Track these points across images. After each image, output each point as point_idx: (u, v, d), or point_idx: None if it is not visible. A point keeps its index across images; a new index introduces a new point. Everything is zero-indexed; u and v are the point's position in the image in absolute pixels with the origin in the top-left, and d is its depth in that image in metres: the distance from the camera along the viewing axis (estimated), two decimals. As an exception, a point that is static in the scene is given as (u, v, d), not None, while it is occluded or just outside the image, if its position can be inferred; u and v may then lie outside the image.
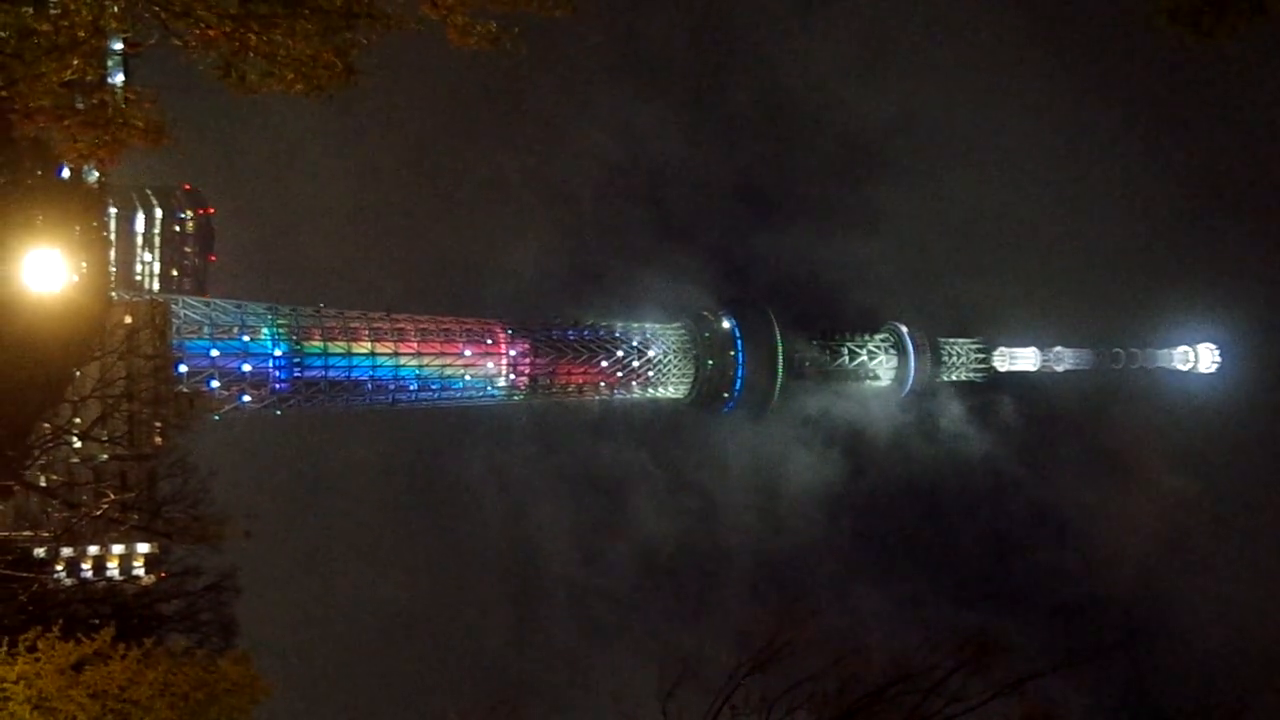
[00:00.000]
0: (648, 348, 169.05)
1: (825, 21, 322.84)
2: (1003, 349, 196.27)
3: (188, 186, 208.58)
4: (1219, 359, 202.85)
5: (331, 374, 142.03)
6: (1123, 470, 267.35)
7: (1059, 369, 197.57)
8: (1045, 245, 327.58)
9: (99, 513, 77.13)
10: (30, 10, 26.77)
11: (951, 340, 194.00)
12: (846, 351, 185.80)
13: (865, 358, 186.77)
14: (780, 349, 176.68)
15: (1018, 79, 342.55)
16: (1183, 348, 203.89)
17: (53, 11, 26.44)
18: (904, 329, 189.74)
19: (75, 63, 26.42)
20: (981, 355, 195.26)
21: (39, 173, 67.76)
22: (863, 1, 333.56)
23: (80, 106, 29.41)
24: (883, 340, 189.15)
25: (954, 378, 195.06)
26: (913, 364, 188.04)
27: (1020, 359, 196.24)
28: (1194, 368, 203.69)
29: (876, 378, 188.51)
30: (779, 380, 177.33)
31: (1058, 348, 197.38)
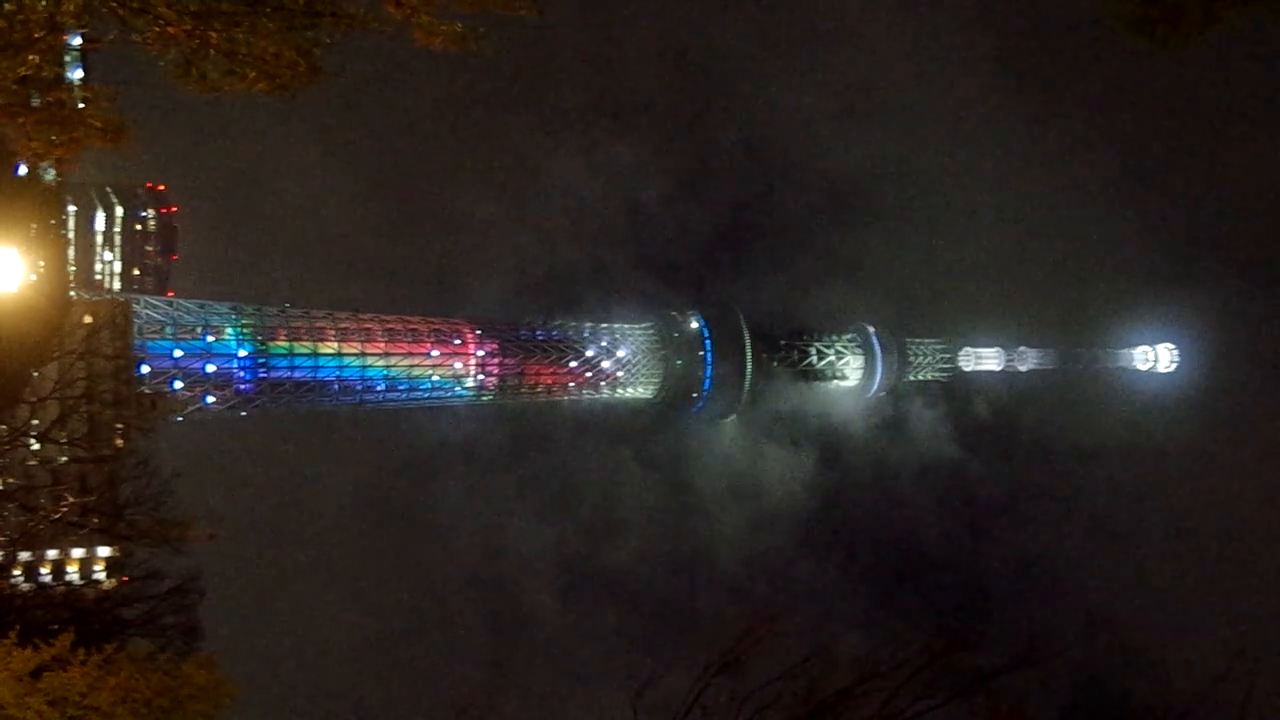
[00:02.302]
0: (616, 348, 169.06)
1: (807, 66, 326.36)
2: (968, 349, 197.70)
3: (150, 184, 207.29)
4: (1178, 358, 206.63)
5: (297, 375, 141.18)
6: (1084, 466, 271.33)
7: (1023, 369, 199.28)
8: (1010, 247, 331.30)
9: (58, 516, 76.38)
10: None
11: (918, 340, 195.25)
12: (815, 351, 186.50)
13: (833, 358, 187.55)
14: (749, 349, 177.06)
15: (984, 101, 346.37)
16: (1143, 348, 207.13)
17: (7, 7, 26.05)
18: (871, 329, 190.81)
19: (31, 59, 26.06)
20: (947, 355, 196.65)
21: (-5, 171, 67.11)
22: (844, 47, 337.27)
23: (36, 104, 29.00)
24: (850, 340, 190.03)
25: (920, 377, 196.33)
26: (879, 364, 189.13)
27: (985, 359, 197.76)
28: (1153, 367, 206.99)
29: (844, 377, 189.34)
30: (747, 380, 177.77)
31: (1022, 348, 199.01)
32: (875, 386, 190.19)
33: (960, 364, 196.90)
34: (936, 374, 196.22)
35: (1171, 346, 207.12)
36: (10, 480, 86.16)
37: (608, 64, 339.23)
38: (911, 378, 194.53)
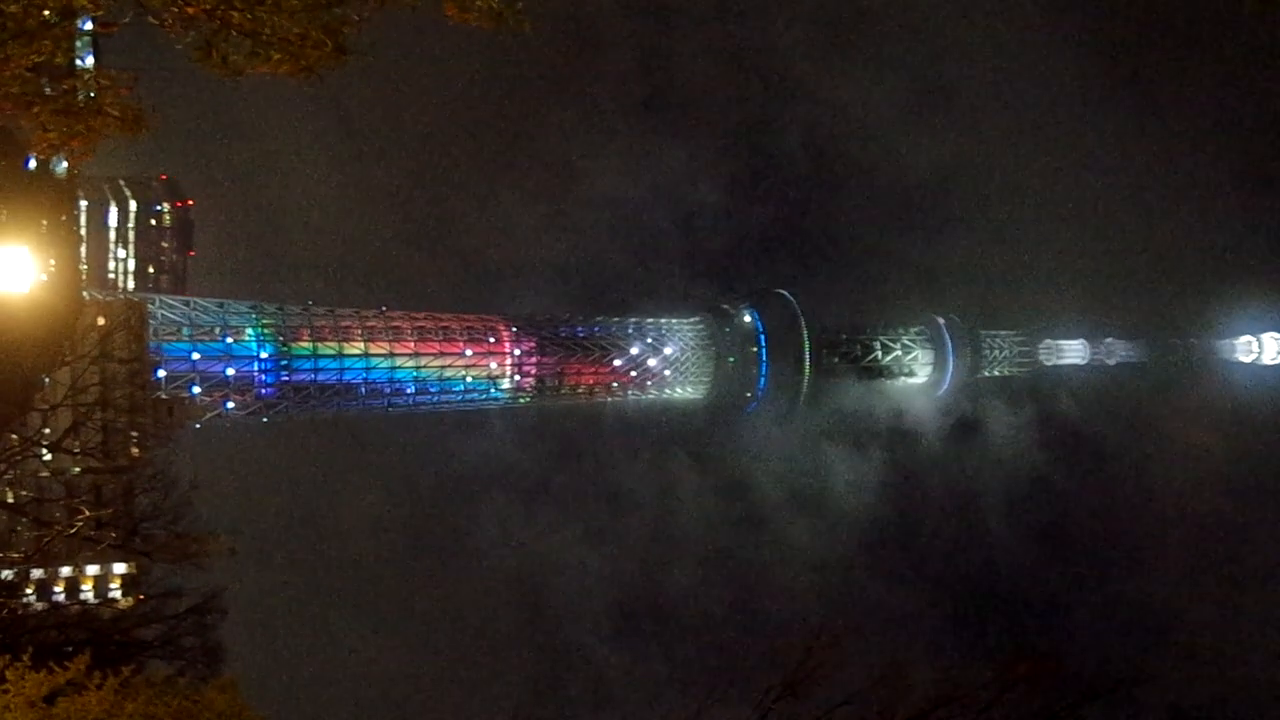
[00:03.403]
0: (663, 344, 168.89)
1: (872, 61, 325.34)
2: (1049, 341, 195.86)
3: (164, 176, 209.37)
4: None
5: (321, 377, 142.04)
6: (1180, 467, 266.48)
7: (1111, 362, 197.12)
8: (1091, 236, 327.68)
9: (72, 531, 77.28)
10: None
11: (993, 333, 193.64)
12: (879, 346, 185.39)
13: (899, 352, 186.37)
14: (807, 344, 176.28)
15: (1068, 93, 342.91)
16: (1246, 337, 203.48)
17: (21, -10, 26.40)
18: (941, 321, 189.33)
19: (44, 45, 26.40)
20: (1026, 348, 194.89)
21: (2, 163, 68.01)
22: (912, 40, 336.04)
23: (50, 93, 29.37)
24: (918, 333, 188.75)
25: (996, 373, 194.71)
26: (951, 359, 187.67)
27: (1068, 352, 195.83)
28: (1258, 358, 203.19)
29: (912, 374, 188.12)
30: (806, 378, 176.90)
31: (1109, 339, 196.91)
32: (946, 383, 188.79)
33: (1041, 358, 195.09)
34: (1014, 369, 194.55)
35: (1279, 335, 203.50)
36: (22, 493, 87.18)
37: (657, 60, 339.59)
38: (987, 373, 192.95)
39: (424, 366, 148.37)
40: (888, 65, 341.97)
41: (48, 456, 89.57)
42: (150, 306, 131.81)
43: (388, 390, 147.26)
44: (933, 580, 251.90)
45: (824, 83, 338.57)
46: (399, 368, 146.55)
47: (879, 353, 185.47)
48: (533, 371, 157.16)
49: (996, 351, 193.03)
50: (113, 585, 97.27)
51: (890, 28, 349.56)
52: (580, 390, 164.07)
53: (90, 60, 68.85)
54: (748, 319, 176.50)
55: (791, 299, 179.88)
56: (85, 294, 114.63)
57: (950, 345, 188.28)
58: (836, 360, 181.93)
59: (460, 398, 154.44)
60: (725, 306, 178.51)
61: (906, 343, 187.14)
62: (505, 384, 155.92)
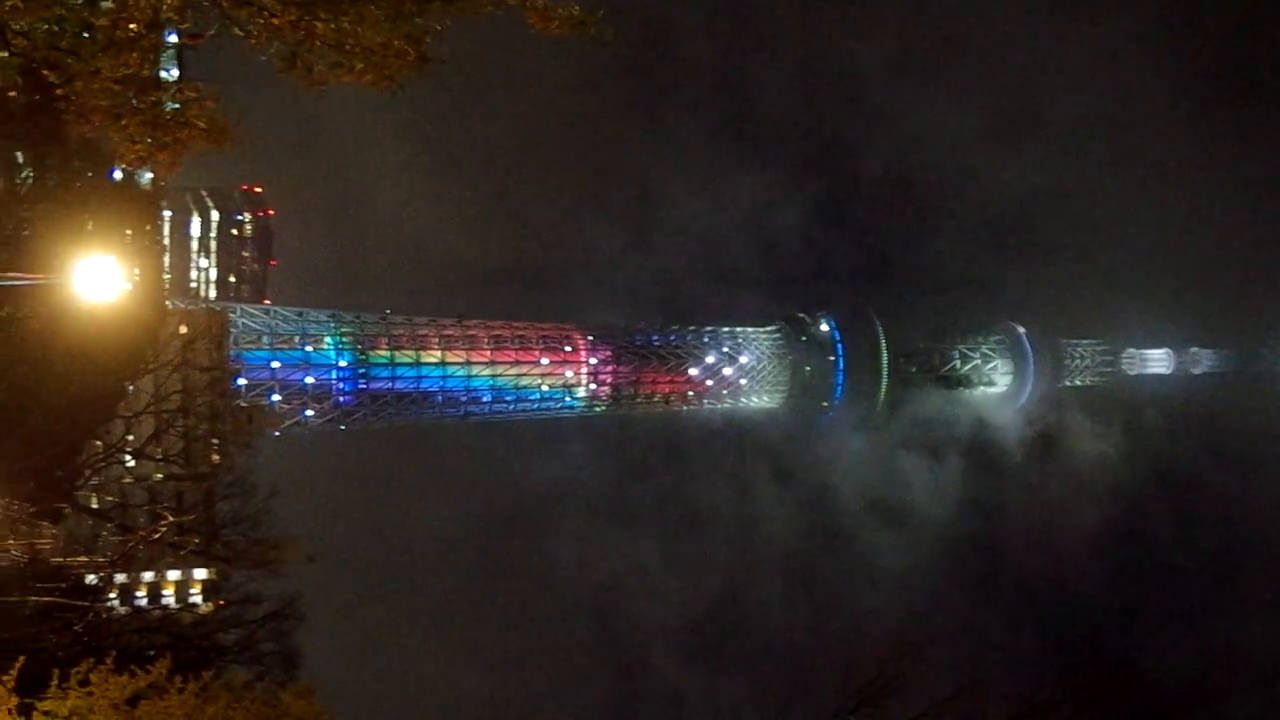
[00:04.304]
0: (739, 353, 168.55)
1: (956, 83, 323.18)
2: (1132, 350, 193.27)
3: (245, 187, 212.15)
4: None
5: (399, 385, 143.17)
6: (1273, 484, 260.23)
7: (1196, 371, 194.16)
8: (1178, 240, 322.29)
9: (155, 536, 78.25)
10: (86, 4, 27.22)
11: (1074, 341, 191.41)
12: (957, 355, 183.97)
13: (978, 361, 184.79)
14: (885, 353, 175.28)
15: (1155, 103, 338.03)
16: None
17: (108, 4, 26.84)
18: (1020, 330, 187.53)
19: (132, 58, 26.82)
20: (1108, 358, 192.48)
21: (90, 175, 69.21)
22: (998, 61, 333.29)
23: (137, 105, 29.83)
24: (997, 342, 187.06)
25: (1078, 383, 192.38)
26: (1031, 368, 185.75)
27: (1153, 361, 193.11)
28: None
29: (991, 383, 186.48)
30: (883, 387, 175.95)
31: (1194, 348, 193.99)
32: (1027, 393, 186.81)
33: (1123, 367, 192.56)
34: (1096, 379, 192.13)
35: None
36: (106, 499, 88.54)
37: (736, 83, 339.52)
38: (1068, 383, 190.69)
39: (500, 375, 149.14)
40: (971, 89, 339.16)
41: (131, 463, 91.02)
42: (231, 315, 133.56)
43: (464, 399, 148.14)
44: (1011, 594, 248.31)
45: (905, 106, 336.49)
46: (475, 376, 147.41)
47: (957, 362, 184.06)
48: (608, 380, 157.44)
49: (1078, 361, 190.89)
50: (193, 590, 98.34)
51: (975, 51, 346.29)
52: (655, 399, 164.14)
53: (175, 72, 69.97)
54: (825, 328, 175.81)
55: (869, 308, 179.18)
56: (168, 303, 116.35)
57: (1030, 354, 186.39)
58: (914, 369, 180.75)
59: (536, 406, 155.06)
60: (802, 315, 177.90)
61: (985, 352, 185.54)
62: (580, 393, 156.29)
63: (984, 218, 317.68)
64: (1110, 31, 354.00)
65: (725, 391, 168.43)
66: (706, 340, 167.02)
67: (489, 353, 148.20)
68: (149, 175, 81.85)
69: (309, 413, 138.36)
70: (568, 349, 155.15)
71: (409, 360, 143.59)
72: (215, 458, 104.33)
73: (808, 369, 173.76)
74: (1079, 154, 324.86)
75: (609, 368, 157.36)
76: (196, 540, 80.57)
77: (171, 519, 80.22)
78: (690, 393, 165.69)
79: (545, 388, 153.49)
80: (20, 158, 66.33)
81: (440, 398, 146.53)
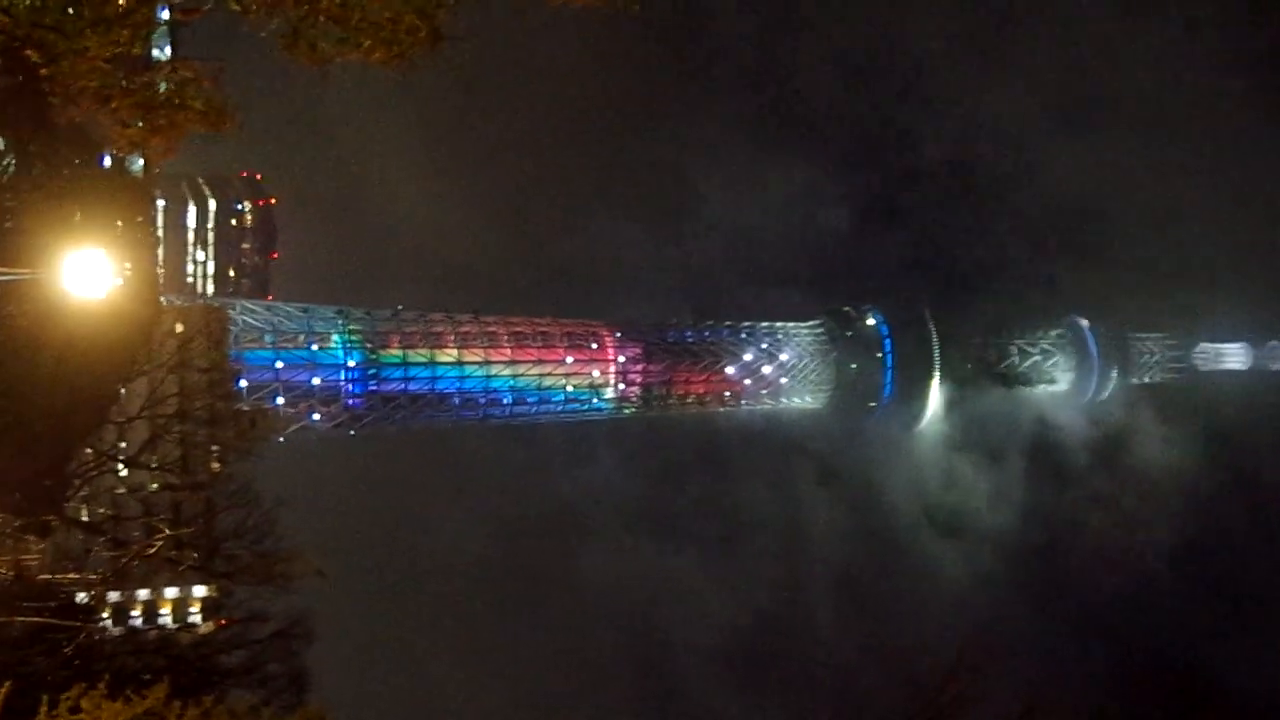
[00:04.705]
0: (779, 350, 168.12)
1: (1015, 68, 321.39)
2: (1205, 345, 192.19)
3: (245, 174, 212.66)
4: None
5: (412, 387, 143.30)
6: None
7: (1276, 367, 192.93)
8: (1255, 228, 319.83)
9: (150, 551, 78.44)
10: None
11: (1142, 336, 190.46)
12: (1016, 351, 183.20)
13: (1038, 358, 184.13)
14: (936, 349, 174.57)
15: (1227, 89, 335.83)
16: None
17: (96, -22, 26.69)
18: (1084, 323, 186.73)
19: (122, 34, 26.68)
20: (1178, 353, 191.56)
21: (78, 162, 69.24)
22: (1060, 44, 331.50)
23: (128, 86, 29.71)
24: (1059, 337, 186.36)
25: (1146, 380, 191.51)
26: (1096, 365, 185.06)
27: (1228, 357, 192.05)
28: None
29: (1053, 381, 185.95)
30: (935, 386, 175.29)
31: (1273, 342, 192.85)
32: (1091, 391, 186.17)
33: (1196, 363, 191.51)
34: (1166, 375, 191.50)
35: None
36: (98, 511, 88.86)
37: (776, 65, 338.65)
38: (1135, 380, 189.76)
39: (521, 375, 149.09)
40: (1032, 72, 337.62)
41: (124, 472, 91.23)
42: (231, 312, 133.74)
43: (483, 400, 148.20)
44: (1078, 605, 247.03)
45: (961, 90, 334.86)
46: (495, 376, 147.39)
47: (1015, 358, 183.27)
48: (638, 380, 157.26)
49: (1146, 356, 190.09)
50: (193, 609, 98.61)
51: (1037, 31, 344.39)
52: (689, 400, 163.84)
53: (168, 51, 69.94)
54: (871, 322, 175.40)
55: (919, 301, 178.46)
56: (163, 299, 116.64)
57: (1095, 350, 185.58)
58: (969, 366, 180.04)
59: (560, 408, 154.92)
60: (847, 309, 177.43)
61: (1046, 347, 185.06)
62: (608, 394, 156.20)
63: (1044, 207, 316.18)
64: (1183, 12, 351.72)
65: (764, 391, 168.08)
66: (744, 337, 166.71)
67: (509, 351, 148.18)
68: (141, 162, 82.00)
69: (316, 416, 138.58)
70: (594, 347, 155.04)
71: (423, 359, 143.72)
72: (215, 466, 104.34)
73: (853, 366, 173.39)
74: (1149, 141, 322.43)
75: (639, 366, 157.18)
76: (195, 555, 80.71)
77: (168, 532, 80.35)
78: (727, 393, 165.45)
79: (570, 388, 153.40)
80: (1, 144, 66.49)
81: (457, 400, 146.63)
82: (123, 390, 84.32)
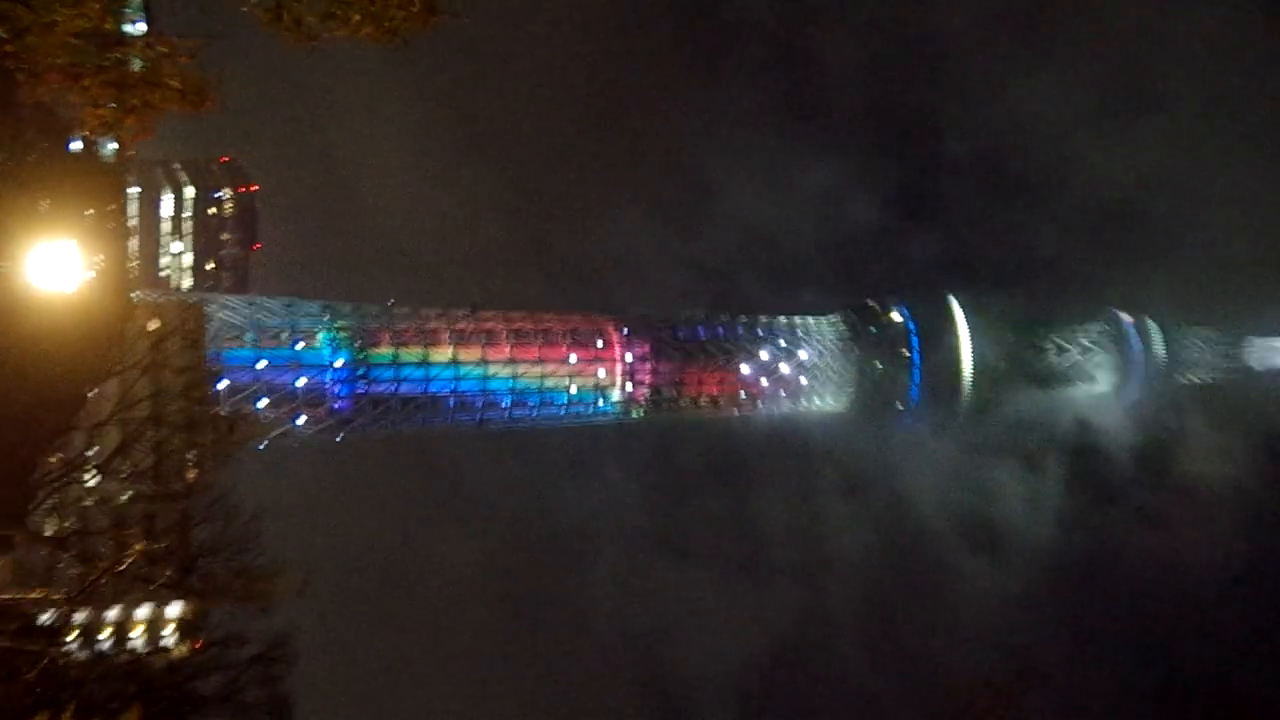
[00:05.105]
0: (798, 348, 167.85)
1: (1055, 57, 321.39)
2: (1258, 341, 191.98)
3: (225, 159, 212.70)
4: None
5: (404, 388, 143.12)
6: None
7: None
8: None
9: (121, 567, 78.32)
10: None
11: (1189, 331, 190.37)
12: (1053, 347, 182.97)
13: (1077, 355, 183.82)
14: (968, 346, 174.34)
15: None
16: None
17: (62, -57, 26.33)
18: (1126, 318, 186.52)
19: (93, 7, 26.36)
20: (1230, 351, 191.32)
21: (45, 145, 68.97)
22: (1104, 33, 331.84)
23: (99, 63, 29.36)
24: (1100, 333, 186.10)
25: (1194, 379, 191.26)
26: (1140, 362, 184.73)
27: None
28: None
29: (1092, 380, 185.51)
30: (966, 386, 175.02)
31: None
32: (1134, 392, 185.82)
33: (1248, 361, 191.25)
34: (1216, 374, 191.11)
35: None
36: (64, 524, 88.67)
37: (798, 48, 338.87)
38: (1182, 380, 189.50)
39: (522, 375, 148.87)
40: (1075, 60, 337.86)
41: (93, 481, 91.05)
42: (209, 308, 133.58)
43: (480, 403, 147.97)
44: (1124, 627, 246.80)
45: (996, 78, 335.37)
46: (493, 377, 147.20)
47: (1052, 355, 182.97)
48: (647, 380, 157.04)
49: (1194, 354, 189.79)
50: (166, 630, 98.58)
51: (1079, 16, 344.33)
52: (702, 402, 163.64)
53: (142, 26, 69.74)
54: (897, 317, 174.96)
55: (948, 294, 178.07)
56: (136, 294, 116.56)
57: (1138, 347, 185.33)
58: (1003, 365, 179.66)
59: (563, 411, 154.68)
60: (871, 304, 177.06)
61: (1085, 344, 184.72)
62: (615, 395, 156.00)
63: (1082, 197, 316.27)
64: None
65: (783, 392, 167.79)
66: (760, 333, 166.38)
67: (508, 349, 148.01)
68: (114, 145, 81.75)
69: (300, 421, 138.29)
70: (599, 344, 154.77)
71: (415, 359, 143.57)
72: (191, 474, 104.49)
73: (878, 365, 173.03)
74: (1197, 132, 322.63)
75: (647, 365, 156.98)
76: (169, 571, 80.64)
77: (140, 547, 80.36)
78: (742, 394, 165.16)
79: (574, 390, 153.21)
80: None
81: (452, 402, 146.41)
82: (92, 393, 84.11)
